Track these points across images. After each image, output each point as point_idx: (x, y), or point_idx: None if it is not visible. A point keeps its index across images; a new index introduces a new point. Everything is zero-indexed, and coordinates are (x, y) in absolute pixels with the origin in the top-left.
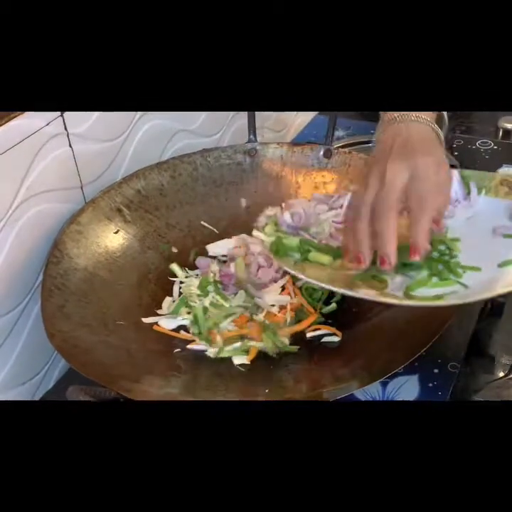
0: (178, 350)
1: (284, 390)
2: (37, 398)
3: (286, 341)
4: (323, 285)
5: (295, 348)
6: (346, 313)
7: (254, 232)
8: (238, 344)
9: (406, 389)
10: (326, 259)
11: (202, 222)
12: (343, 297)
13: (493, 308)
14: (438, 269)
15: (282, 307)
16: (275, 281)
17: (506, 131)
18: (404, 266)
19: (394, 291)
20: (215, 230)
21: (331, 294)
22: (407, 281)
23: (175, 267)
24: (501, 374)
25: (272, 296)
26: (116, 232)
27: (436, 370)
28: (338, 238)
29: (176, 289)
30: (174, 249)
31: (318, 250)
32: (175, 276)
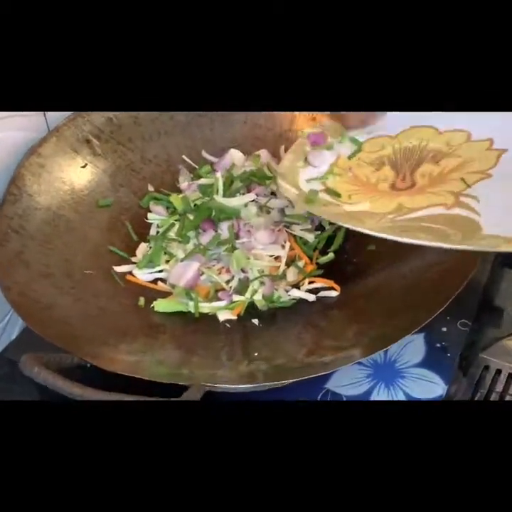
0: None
1: (275, 353)
2: None
3: (279, 295)
4: (394, 237)
5: (289, 302)
6: (346, 264)
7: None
8: (223, 302)
9: (410, 349)
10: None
11: (183, 156)
12: (342, 246)
13: (504, 258)
14: None
15: (275, 257)
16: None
17: None
18: None
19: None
20: (197, 166)
21: (328, 243)
22: None
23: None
24: (510, 329)
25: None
26: (83, 167)
27: (444, 329)
28: None
29: (153, 233)
30: (150, 188)
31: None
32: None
